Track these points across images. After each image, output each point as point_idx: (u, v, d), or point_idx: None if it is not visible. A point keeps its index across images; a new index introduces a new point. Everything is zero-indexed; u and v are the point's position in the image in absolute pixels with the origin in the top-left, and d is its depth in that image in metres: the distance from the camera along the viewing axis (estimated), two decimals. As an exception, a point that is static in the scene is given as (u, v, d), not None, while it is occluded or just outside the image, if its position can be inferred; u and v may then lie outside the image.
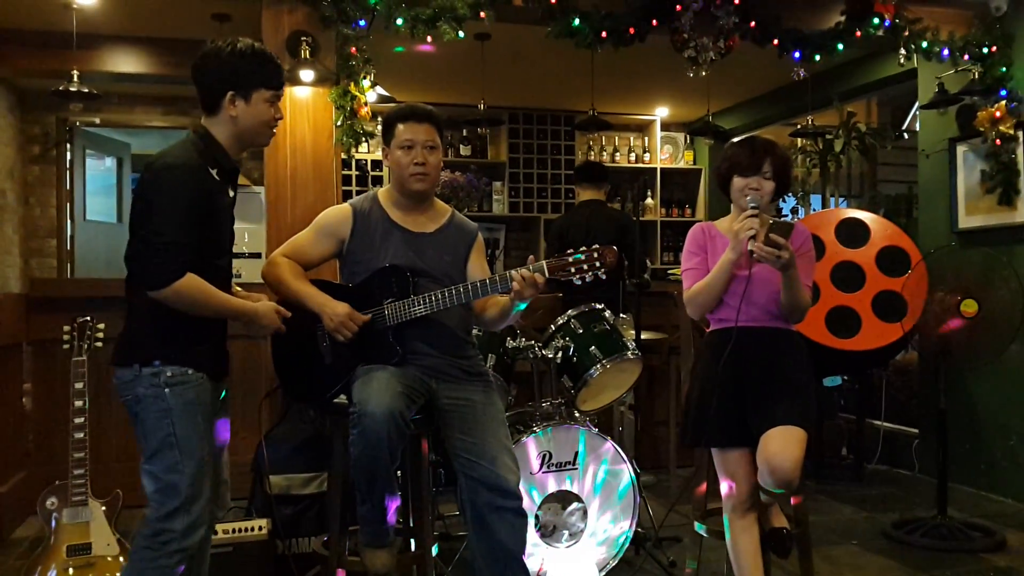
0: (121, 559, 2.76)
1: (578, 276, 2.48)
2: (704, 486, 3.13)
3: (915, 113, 6.36)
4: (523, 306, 2.62)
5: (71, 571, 2.70)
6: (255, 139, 2.41)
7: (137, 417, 2.25)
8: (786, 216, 7.44)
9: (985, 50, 4.59)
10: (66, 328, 2.84)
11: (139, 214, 2.25)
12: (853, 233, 4.56)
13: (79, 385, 2.79)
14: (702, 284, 2.71)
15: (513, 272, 2.50)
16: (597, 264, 2.47)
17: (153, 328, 2.26)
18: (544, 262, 2.50)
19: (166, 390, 2.22)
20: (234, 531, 3.02)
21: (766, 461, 2.54)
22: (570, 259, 2.49)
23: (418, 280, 2.65)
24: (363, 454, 2.42)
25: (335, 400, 2.70)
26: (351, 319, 2.58)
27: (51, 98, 5.10)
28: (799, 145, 7.40)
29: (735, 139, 2.94)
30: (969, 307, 3.84)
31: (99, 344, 2.87)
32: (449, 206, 2.88)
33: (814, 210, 7.91)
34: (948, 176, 4.90)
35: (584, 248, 2.48)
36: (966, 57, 4.62)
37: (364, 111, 4.03)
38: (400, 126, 2.70)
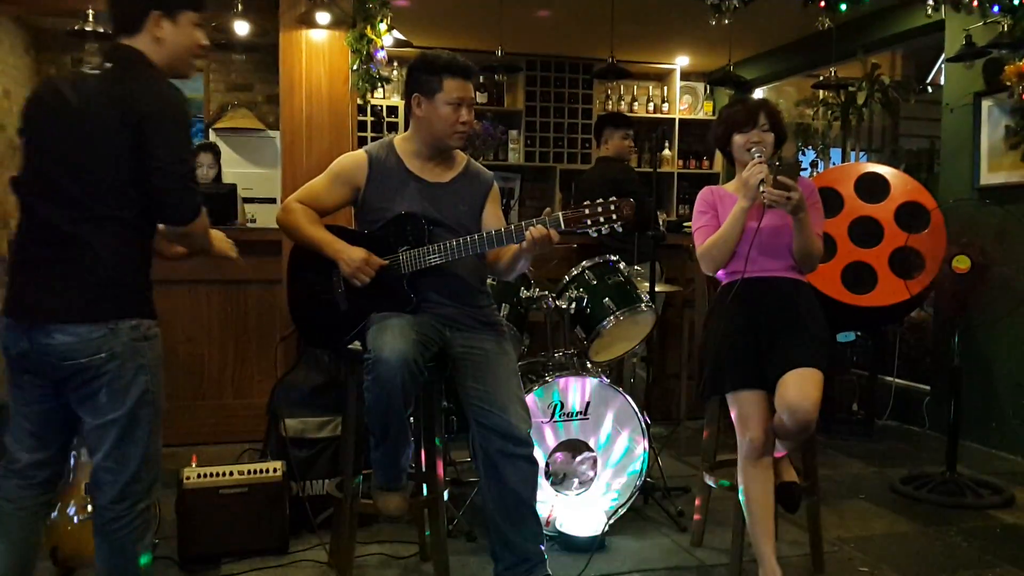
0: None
1: (594, 228, 2.48)
2: (713, 437, 3.16)
3: (940, 66, 6.24)
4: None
5: (89, 508, 2.75)
6: (180, 68, 2.16)
7: (107, 375, 2.02)
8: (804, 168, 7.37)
9: (1016, 1, 4.47)
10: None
11: (164, 145, 2.01)
12: (873, 188, 4.50)
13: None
14: (715, 237, 2.75)
15: (529, 227, 2.49)
16: (614, 216, 2.46)
17: (129, 278, 2.07)
18: (560, 214, 2.50)
19: (145, 343, 2.07)
20: (249, 472, 3.07)
21: (785, 402, 2.58)
22: (586, 211, 2.48)
23: (433, 229, 2.64)
24: (377, 400, 2.44)
25: (350, 346, 2.72)
26: (368, 264, 2.59)
27: (67, 38, 5.07)
28: (821, 97, 7.28)
29: (725, 105, 3.03)
30: (961, 263, 3.81)
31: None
32: (465, 154, 2.86)
33: (834, 163, 7.82)
34: (972, 131, 4.82)
35: (600, 200, 2.47)
36: (995, 9, 4.50)
37: (380, 56, 3.99)
38: (449, 81, 2.61)
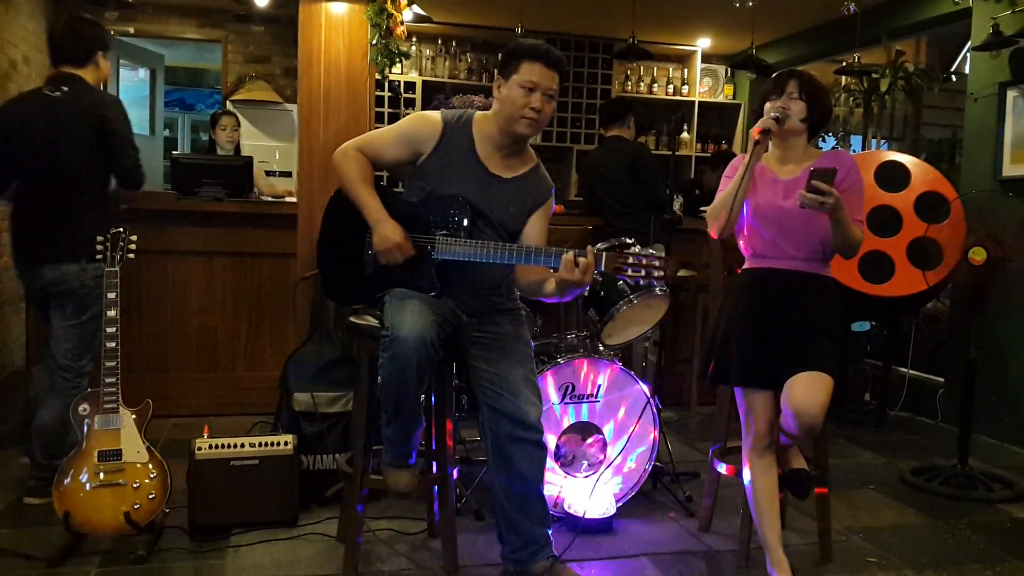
0: (150, 466, 2.83)
1: (632, 279, 2.42)
2: (723, 423, 3.15)
3: (966, 54, 6.16)
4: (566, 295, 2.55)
5: (102, 475, 2.77)
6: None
7: (75, 295, 3.19)
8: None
9: (1046, -9, 4.40)
10: (99, 239, 2.86)
11: (123, 136, 3.28)
12: (893, 177, 4.45)
13: (112, 295, 2.82)
14: (721, 195, 2.69)
15: (567, 254, 2.40)
16: (655, 274, 2.40)
17: (94, 229, 2.92)
18: (605, 254, 2.42)
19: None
20: (260, 445, 3.08)
21: (792, 406, 2.54)
22: (630, 259, 2.41)
23: (476, 221, 2.59)
24: (392, 377, 2.44)
25: (361, 321, 2.72)
26: (399, 249, 2.54)
27: (86, 5, 5.05)
28: (843, 83, 7.20)
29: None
30: (977, 255, 3.77)
31: (131, 255, 2.89)
32: (537, 159, 2.77)
33: (854, 151, 7.74)
34: (996, 122, 4.76)
35: (652, 252, 2.41)
36: (1026, -3, 4.43)
37: (400, 30, 3.96)
38: (527, 64, 2.56)
